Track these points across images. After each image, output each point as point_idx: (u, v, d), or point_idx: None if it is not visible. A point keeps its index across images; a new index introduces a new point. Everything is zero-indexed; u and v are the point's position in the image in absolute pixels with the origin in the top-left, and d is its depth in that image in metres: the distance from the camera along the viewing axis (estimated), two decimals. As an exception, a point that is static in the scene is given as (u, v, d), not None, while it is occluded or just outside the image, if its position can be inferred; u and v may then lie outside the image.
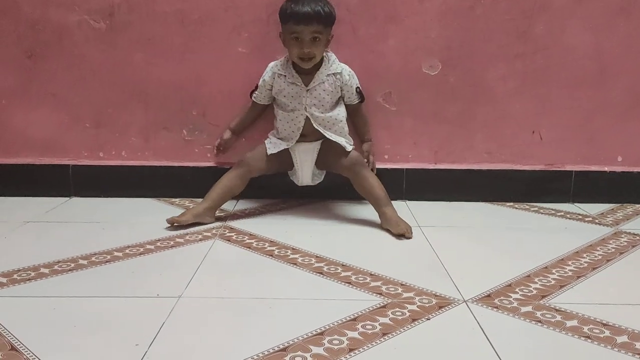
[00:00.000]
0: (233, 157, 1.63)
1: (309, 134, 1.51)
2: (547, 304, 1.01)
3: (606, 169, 1.71)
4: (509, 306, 1.00)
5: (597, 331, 0.92)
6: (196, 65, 1.64)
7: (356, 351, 0.84)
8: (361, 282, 1.10)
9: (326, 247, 1.29)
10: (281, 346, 0.85)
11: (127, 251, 1.25)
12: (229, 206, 1.61)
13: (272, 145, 1.53)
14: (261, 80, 1.55)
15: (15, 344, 0.85)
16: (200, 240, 1.34)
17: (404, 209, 1.60)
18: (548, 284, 1.10)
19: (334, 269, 1.17)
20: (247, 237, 1.36)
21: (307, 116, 1.49)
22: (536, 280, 1.12)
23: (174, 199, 1.68)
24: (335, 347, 0.85)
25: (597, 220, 1.54)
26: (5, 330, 0.89)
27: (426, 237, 1.38)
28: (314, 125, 1.49)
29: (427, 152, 1.70)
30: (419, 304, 1.01)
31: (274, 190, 1.68)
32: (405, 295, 1.04)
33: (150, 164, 1.69)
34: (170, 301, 1.00)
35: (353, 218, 1.54)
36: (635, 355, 0.85)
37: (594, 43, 1.64)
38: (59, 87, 1.66)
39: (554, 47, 1.64)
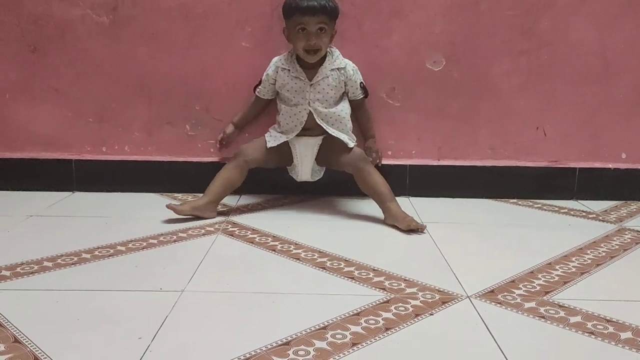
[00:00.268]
0: (235, 151, 1.63)
1: (311, 127, 1.51)
2: (551, 300, 1.01)
3: (610, 165, 1.70)
4: (512, 302, 1.00)
5: (600, 327, 0.91)
6: (200, 59, 1.64)
7: (359, 346, 0.84)
8: (364, 277, 1.10)
9: (329, 242, 1.29)
10: (284, 340, 0.85)
11: (130, 245, 1.26)
12: (232, 201, 1.61)
13: (272, 139, 1.52)
14: (264, 74, 1.55)
15: (19, 337, 0.85)
16: (203, 234, 1.34)
17: (407, 205, 1.60)
18: (551, 280, 1.10)
19: (336, 264, 1.17)
20: (249, 232, 1.36)
21: (310, 111, 1.49)
22: (539, 276, 1.12)
23: (176, 194, 1.68)
24: (339, 341, 0.85)
25: (600, 217, 1.53)
26: (9, 323, 0.89)
27: (429, 233, 1.38)
28: (317, 120, 1.49)
29: (431, 148, 1.70)
30: (422, 299, 1.01)
31: (276, 186, 1.68)
32: (408, 290, 1.04)
33: (153, 158, 1.69)
34: (173, 295, 1.00)
35: (356, 214, 1.53)
36: (639, 351, 0.84)
37: (599, 39, 1.63)
38: (62, 82, 1.66)
39: (559, 43, 1.64)
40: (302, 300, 1.00)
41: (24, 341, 0.84)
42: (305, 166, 1.55)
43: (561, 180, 1.70)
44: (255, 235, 1.34)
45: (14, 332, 0.87)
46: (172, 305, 0.96)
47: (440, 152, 1.70)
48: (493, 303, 1.00)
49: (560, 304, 1.00)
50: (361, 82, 1.55)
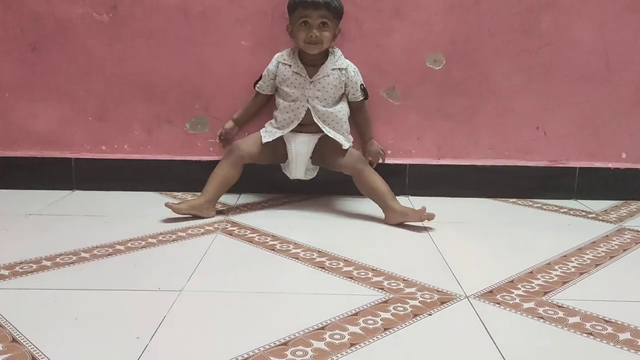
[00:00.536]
0: (229, 147, 1.63)
1: (308, 123, 1.50)
2: (550, 300, 1.01)
3: (610, 165, 1.70)
4: (511, 302, 1.00)
5: (599, 328, 0.91)
6: (199, 58, 1.64)
7: (357, 346, 0.84)
8: (363, 277, 1.10)
9: (328, 242, 1.29)
10: (282, 340, 0.85)
11: (129, 244, 1.25)
12: (231, 200, 1.61)
13: (268, 134, 1.52)
14: (265, 69, 1.55)
15: (17, 336, 0.85)
16: (202, 234, 1.34)
17: (406, 204, 1.59)
18: (550, 280, 1.10)
19: (335, 263, 1.17)
20: (249, 232, 1.36)
21: (308, 108, 1.49)
22: (539, 276, 1.12)
23: (176, 193, 1.68)
24: (337, 341, 0.85)
25: (600, 217, 1.53)
26: (7, 322, 0.89)
27: (428, 232, 1.38)
28: (314, 118, 1.49)
29: (431, 148, 1.70)
30: (420, 299, 1.01)
31: (276, 185, 1.68)
32: (407, 290, 1.04)
33: (152, 157, 1.69)
34: (171, 295, 1.00)
35: (355, 213, 1.53)
36: (638, 352, 0.84)
37: (600, 39, 1.63)
38: (62, 81, 1.66)
39: (560, 42, 1.63)
40: (301, 300, 1.00)
41: (22, 340, 0.84)
42: (299, 164, 1.54)
43: (561, 180, 1.70)
44: (254, 235, 1.34)
45: (12, 332, 0.86)
46: (171, 305, 0.96)
47: (440, 152, 1.70)
48: (492, 303, 1.00)
49: (559, 304, 1.00)
50: (362, 84, 1.55)
